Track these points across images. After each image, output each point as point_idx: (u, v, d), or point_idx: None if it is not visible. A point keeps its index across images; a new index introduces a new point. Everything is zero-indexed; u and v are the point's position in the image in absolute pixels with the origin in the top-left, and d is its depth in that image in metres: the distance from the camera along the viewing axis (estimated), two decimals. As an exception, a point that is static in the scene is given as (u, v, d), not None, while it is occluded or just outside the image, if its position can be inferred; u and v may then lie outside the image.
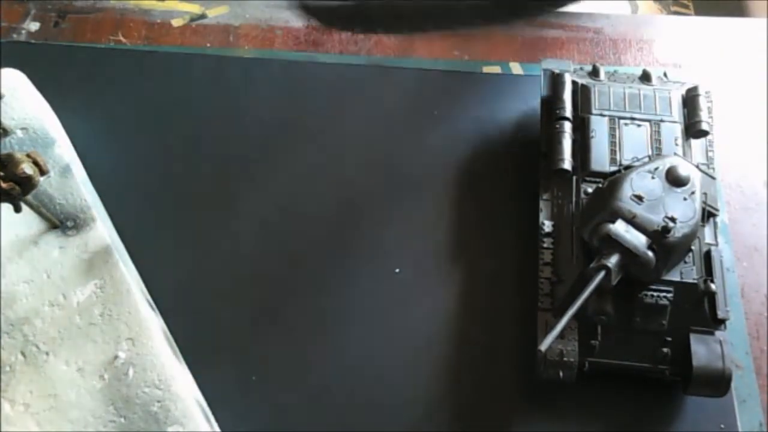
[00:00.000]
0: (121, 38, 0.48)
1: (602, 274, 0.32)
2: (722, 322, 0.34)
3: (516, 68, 0.47)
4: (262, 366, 0.38)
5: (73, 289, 0.36)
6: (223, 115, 0.45)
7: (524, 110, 0.45)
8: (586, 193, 0.38)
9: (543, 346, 0.31)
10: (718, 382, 0.34)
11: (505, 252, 0.41)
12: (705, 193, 0.36)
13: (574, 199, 0.38)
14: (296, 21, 0.49)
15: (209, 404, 0.36)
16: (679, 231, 0.33)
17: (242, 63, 0.47)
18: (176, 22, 0.49)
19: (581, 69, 0.42)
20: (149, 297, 0.38)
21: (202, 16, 0.49)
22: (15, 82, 0.42)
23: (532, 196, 0.42)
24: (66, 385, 0.34)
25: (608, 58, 0.47)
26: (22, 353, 0.35)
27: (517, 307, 0.39)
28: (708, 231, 0.37)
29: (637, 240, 0.33)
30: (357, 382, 0.37)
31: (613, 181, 0.36)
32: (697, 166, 0.37)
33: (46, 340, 0.35)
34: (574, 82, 0.41)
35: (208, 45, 0.48)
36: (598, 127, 0.39)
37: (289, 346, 0.38)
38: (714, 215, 0.37)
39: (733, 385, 0.37)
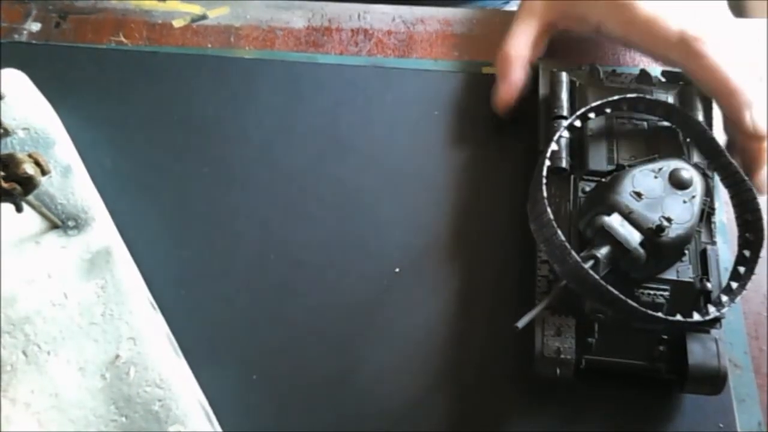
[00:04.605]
0: (123, 39, 0.48)
1: (590, 263, 0.33)
2: (718, 320, 0.35)
3: (516, 69, 0.47)
4: (263, 365, 0.38)
5: (75, 288, 0.36)
6: (223, 115, 0.45)
7: (524, 110, 0.45)
8: (583, 191, 0.38)
9: (520, 323, 0.32)
10: (713, 380, 0.34)
11: (505, 252, 0.41)
12: (707, 199, 0.36)
13: (571, 197, 0.38)
14: (297, 22, 0.49)
15: (210, 403, 0.36)
16: (673, 232, 0.33)
17: (243, 63, 0.47)
18: (177, 23, 0.49)
19: (580, 69, 0.42)
20: (150, 296, 0.38)
21: (203, 17, 0.49)
22: (16, 82, 0.42)
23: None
24: (67, 385, 0.34)
25: (607, 58, 0.47)
26: (24, 353, 0.35)
27: (517, 307, 0.39)
28: (704, 230, 0.37)
29: (630, 235, 0.33)
30: (356, 381, 0.37)
31: (615, 176, 0.36)
32: (695, 165, 0.37)
33: (47, 340, 0.35)
34: (572, 81, 0.41)
35: (209, 46, 0.48)
36: (596, 126, 0.39)
37: (289, 345, 0.38)
38: (711, 214, 0.37)
39: (731, 384, 0.37)
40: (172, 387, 0.34)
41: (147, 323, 0.36)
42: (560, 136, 0.37)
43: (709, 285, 0.35)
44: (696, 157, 0.38)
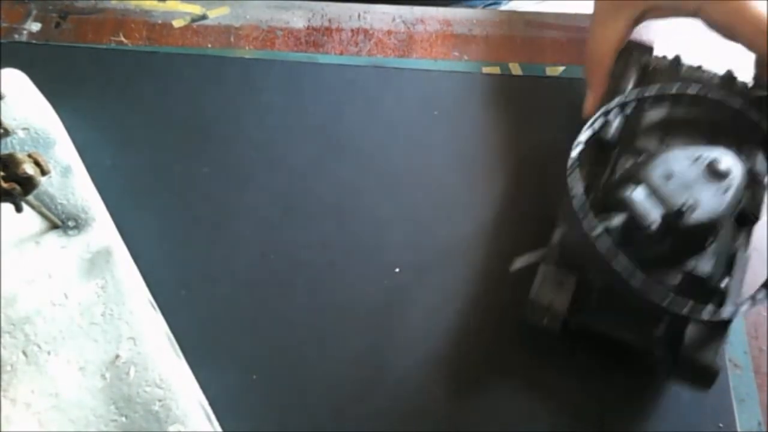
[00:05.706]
0: (123, 39, 0.48)
1: (602, 227, 0.32)
2: (725, 324, 0.34)
3: (515, 69, 0.48)
4: (263, 365, 0.38)
5: (75, 288, 0.36)
6: (223, 115, 0.45)
7: (523, 110, 0.45)
8: (623, 166, 0.37)
9: (513, 267, 0.33)
10: (704, 374, 0.33)
11: (506, 250, 0.41)
12: (749, 198, 0.35)
13: (609, 169, 0.38)
14: (297, 22, 0.50)
15: (210, 403, 0.36)
16: (694, 218, 0.32)
17: (243, 64, 0.47)
18: (177, 23, 0.49)
19: (664, 58, 0.41)
20: (150, 296, 0.38)
21: (203, 17, 0.49)
22: (16, 82, 0.42)
23: (530, 196, 0.42)
24: (67, 385, 0.34)
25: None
26: (24, 352, 0.35)
27: (518, 306, 0.39)
28: (743, 235, 0.36)
29: (650, 210, 0.32)
30: (357, 381, 0.37)
31: (652, 154, 0.35)
32: (751, 169, 0.36)
33: (47, 340, 0.35)
34: (645, 65, 0.41)
35: (209, 46, 0.48)
36: (657, 111, 0.38)
37: (289, 345, 0.38)
38: (754, 222, 0.36)
39: (731, 384, 0.37)
40: (172, 387, 0.34)
41: (147, 323, 0.36)
42: (609, 111, 0.37)
43: (723, 285, 0.34)
44: (758, 164, 0.37)
